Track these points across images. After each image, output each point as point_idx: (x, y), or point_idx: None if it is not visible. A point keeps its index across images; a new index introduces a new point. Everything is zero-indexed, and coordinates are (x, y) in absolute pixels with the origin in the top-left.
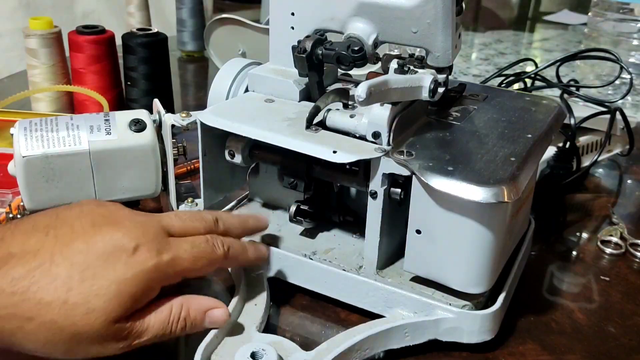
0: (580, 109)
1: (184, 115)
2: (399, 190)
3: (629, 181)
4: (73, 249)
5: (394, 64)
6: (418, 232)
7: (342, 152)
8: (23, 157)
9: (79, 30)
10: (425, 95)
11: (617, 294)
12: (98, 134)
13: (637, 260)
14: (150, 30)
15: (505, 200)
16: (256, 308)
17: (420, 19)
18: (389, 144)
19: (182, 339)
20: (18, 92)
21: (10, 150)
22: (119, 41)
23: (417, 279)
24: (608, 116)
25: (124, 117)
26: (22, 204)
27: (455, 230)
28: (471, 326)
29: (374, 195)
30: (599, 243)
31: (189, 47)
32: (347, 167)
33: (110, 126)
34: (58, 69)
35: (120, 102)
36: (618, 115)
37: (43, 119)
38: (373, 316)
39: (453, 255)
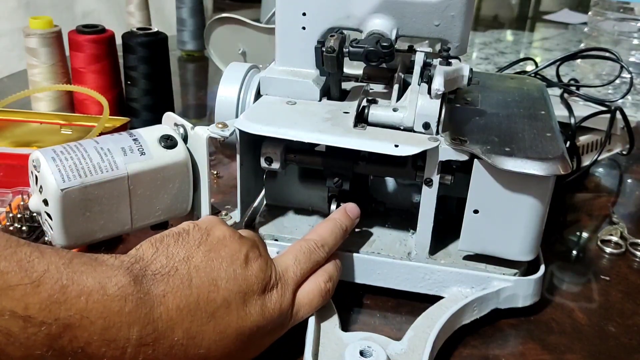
0: (581, 108)
1: (220, 125)
2: (450, 176)
3: (629, 181)
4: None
5: (420, 57)
6: (475, 212)
7: (404, 146)
8: (61, 190)
9: (79, 30)
10: (464, 83)
11: (617, 294)
12: (132, 155)
13: (637, 259)
14: (150, 29)
15: (562, 172)
16: (329, 310)
17: (445, 11)
18: (438, 133)
19: None
20: (18, 92)
21: (10, 150)
22: (119, 41)
23: (464, 257)
24: (608, 115)
25: (150, 133)
26: (22, 203)
27: (515, 204)
28: (526, 291)
29: (429, 183)
30: (599, 243)
31: (189, 47)
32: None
33: (141, 145)
34: (58, 69)
35: (120, 102)
36: (618, 115)
37: (66, 145)
38: (422, 299)
39: (511, 228)
